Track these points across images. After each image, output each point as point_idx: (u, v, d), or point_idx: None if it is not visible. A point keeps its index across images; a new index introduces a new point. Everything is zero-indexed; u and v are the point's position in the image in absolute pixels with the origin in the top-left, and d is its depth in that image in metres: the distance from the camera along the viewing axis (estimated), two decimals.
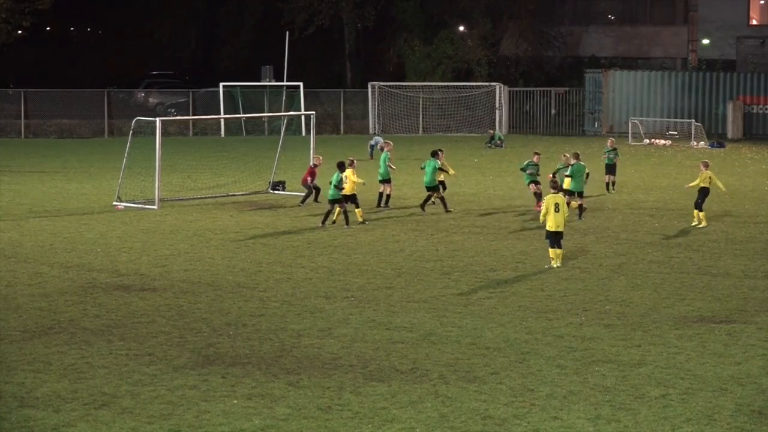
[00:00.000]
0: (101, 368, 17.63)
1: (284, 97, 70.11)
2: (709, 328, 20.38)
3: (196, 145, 62.23)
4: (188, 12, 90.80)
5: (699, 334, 19.93)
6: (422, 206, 35.39)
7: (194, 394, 16.33)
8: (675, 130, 67.11)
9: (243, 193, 40.13)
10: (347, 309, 21.86)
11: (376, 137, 55.04)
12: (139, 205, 36.32)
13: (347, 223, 32.07)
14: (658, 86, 70.31)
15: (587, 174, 34.66)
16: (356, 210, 32.73)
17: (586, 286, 24.20)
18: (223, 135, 68.66)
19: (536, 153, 37.10)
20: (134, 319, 20.91)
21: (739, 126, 68.00)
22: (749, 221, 33.91)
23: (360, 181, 33.64)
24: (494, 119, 70.93)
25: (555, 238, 26.24)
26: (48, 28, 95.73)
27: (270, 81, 70.17)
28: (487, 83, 73.29)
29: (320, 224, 32.44)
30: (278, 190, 40.27)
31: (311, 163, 37.78)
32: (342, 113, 72.80)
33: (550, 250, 26.40)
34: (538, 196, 34.11)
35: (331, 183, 32.38)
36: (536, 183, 35.32)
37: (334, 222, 32.37)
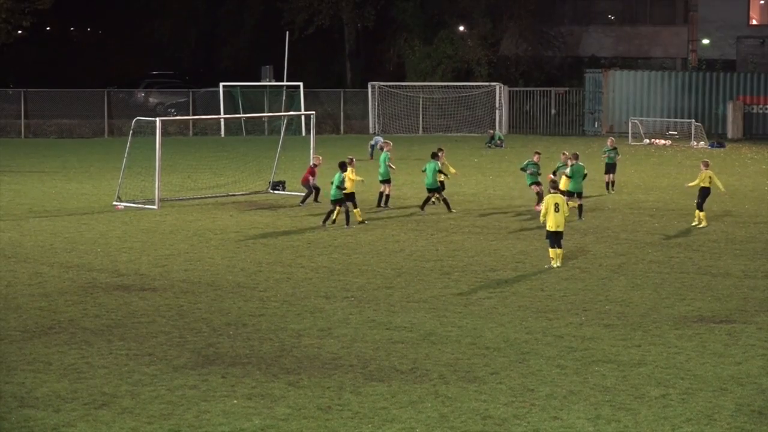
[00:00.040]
0: (101, 368, 17.63)
1: (284, 97, 70.11)
2: (709, 328, 20.38)
3: (196, 145, 62.22)
4: (188, 12, 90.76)
5: (699, 334, 19.93)
6: (422, 207, 35.40)
7: (194, 394, 16.33)
8: (675, 130, 67.11)
9: (243, 193, 40.13)
10: (347, 309, 21.86)
11: (376, 137, 55.03)
12: (139, 205, 36.32)
13: (347, 223, 32.07)
14: (658, 86, 70.31)
15: (585, 175, 34.66)
16: (354, 210, 32.73)
17: (586, 286, 24.21)
18: (223, 135, 68.66)
19: (536, 152, 37.09)
20: (134, 319, 20.92)
21: (739, 126, 68.01)
22: (749, 221, 33.91)
23: (359, 178, 33.70)
24: (494, 119, 70.94)
25: (555, 238, 26.24)
26: (48, 28, 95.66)
27: (270, 81, 70.18)
28: (487, 83, 73.29)
29: (321, 224, 32.45)
30: (278, 190, 40.27)
31: (311, 163, 37.79)
32: (342, 113, 72.80)
33: (550, 250, 26.41)
34: (540, 196, 34.11)
35: (332, 183, 32.38)
36: (537, 183, 35.34)
37: (333, 222, 32.36)
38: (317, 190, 37.00)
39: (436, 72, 77.05)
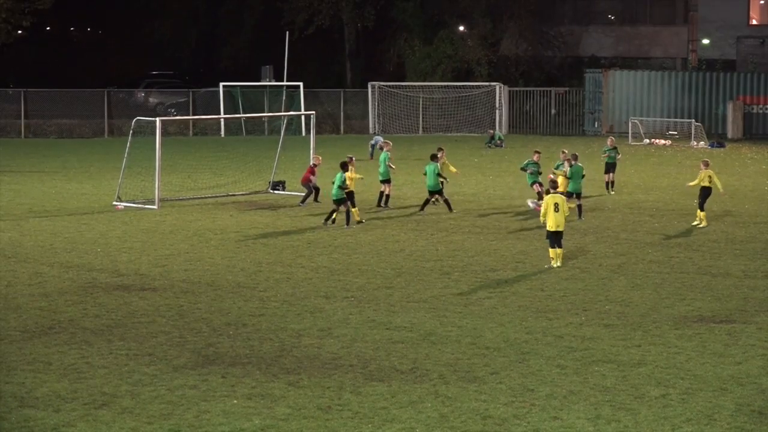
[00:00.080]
0: (101, 368, 17.63)
1: (284, 97, 70.11)
2: (709, 328, 20.38)
3: (196, 145, 62.22)
4: (188, 12, 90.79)
5: (699, 334, 19.93)
6: (422, 208, 35.39)
7: (194, 394, 16.33)
8: (675, 130, 67.11)
9: (243, 193, 40.12)
10: (347, 309, 21.86)
11: (376, 137, 55.05)
12: (139, 205, 36.32)
13: (348, 223, 32.08)
14: (658, 86, 70.31)
15: (583, 175, 34.66)
16: (353, 210, 32.74)
17: (586, 286, 24.20)
18: (223, 135, 68.66)
19: (536, 152, 37.11)
20: (134, 319, 20.92)
21: (739, 126, 68.01)
22: (749, 221, 33.90)
23: (358, 176, 33.78)
24: (494, 119, 70.95)
25: (555, 238, 26.24)
26: (48, 28, 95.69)
27: (270, 81, 70.19)
28: (487, 83, 73.30)
29: (322, 222, 32.47)
30: (278, 190, 40.27)
31: (311, 163, 37.78)
32: (342, 113, 72.80)
33: (550, 249, 26.41)
34: (540, 196, 34.11)
35: (333, 183, 32.38)
36: (538, 183, 35.34)
37: (333, 221, 32.37)
38: (317, 190, 37.00)
39: (436, 72, 77.06)
